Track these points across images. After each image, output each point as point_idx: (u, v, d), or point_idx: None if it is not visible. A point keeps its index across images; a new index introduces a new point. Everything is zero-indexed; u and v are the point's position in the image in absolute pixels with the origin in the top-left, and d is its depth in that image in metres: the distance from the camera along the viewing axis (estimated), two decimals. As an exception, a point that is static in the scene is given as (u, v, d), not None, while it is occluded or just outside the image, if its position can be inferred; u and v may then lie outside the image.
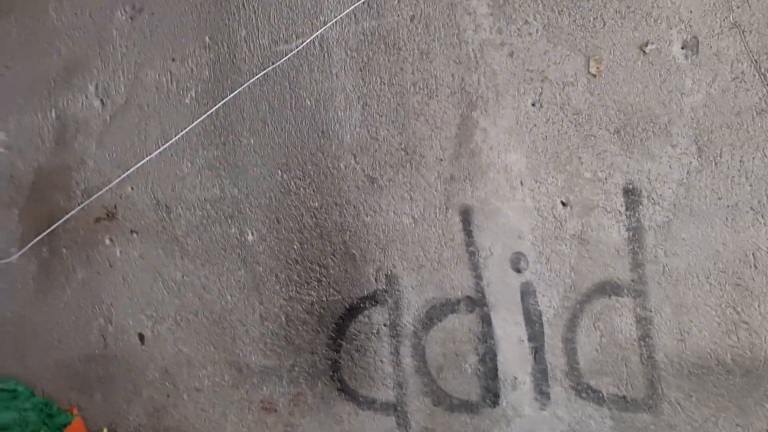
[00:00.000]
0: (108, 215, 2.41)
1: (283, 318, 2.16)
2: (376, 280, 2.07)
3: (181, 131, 2.25)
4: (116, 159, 2.39)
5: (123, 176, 2.36)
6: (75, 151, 2.48)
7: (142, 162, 2.32)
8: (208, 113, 2.23)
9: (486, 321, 2.00)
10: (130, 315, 2.36)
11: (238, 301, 2.20)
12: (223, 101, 2.20)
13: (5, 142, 2.64)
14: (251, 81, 2.17)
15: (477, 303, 2.00)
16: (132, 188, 2.36)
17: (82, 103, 2.44)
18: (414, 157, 2.04)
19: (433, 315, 2.04)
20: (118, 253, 2.39)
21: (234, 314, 2.23)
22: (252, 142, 2.18)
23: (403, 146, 2.04)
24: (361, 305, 2.09)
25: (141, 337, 2.36)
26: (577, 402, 1.96)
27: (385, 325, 2.07)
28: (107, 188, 2.39)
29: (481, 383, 2.02)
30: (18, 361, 2.56)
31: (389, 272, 2.06)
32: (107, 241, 2.41)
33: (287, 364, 2.16)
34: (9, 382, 2.45)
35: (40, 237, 2.50)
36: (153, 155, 2.31)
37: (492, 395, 2.02)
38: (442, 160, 2.01)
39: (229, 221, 2.21)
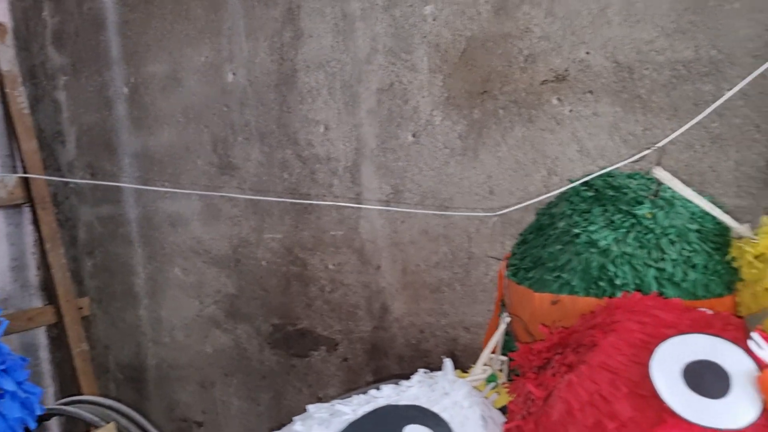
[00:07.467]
0: (557, 78, 2.68)
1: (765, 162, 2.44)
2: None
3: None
4: (569, 26, 2.63)
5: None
6: (518, 20, 2.72)
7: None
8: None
9: None
10: (579, 168, 2.67)
11: (709, 150, 2.49)
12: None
13: (433, 13, 2.89)
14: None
15: None
16: (588, 53, 2.61)
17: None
18: None
19: None
20: (567, 112, 2.68)
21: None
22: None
23: None
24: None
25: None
26: None
27: None
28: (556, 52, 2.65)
29: None
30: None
31: None
32: (554, 101, 2.70)
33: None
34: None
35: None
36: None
37: None
38: None
39: (704, 79, 2.46)
